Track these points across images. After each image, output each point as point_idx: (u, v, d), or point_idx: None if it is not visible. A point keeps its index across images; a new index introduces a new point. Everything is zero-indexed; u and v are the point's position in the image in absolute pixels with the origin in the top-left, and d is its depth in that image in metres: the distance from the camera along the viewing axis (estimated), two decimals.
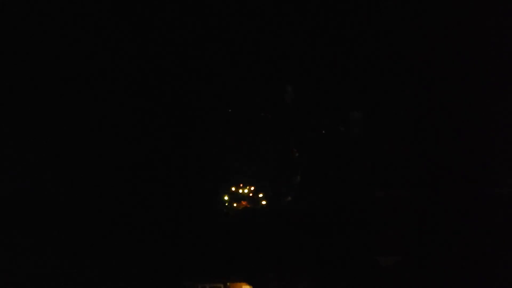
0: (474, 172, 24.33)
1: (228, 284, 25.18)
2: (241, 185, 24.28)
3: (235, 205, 24.33)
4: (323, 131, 24.84)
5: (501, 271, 22.23)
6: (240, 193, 24.26)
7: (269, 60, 25.00)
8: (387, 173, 24.37)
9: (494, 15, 23.52)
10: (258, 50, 24.92)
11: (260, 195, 24.17)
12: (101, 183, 23.37)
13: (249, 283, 25.28)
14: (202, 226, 23.19)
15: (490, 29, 24.23)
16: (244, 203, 24.45)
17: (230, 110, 24.58)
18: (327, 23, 24.96)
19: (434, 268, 23.02)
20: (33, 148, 24.20)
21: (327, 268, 23.27)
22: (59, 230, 22.72)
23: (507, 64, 23.64)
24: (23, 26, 24.52)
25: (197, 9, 25.43)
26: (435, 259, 23.17)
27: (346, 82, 24.73)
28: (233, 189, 24.24)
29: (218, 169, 24.60)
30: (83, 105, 24.59)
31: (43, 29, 24.79)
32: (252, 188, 24.18)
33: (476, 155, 24.39)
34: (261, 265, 23.23)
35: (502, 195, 23.69)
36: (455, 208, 24.10)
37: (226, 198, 24.03)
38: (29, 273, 21.39)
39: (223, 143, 24.75)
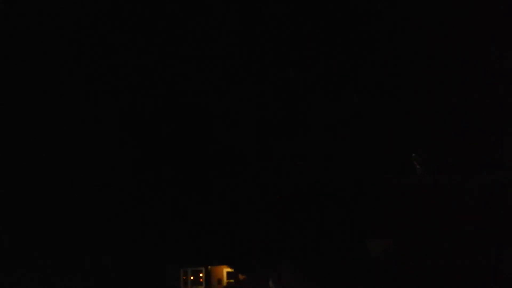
0: (464, 159, 23.41)
1: (209, 267, 27.23)
2: None
3: None
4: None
5: (492, 256, 22.56)
6: None
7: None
8: (378, 160, 23.56)
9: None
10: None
11: None
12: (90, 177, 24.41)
13: (229, 266, 26.99)
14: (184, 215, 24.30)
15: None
16: None
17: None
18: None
19: (424, 253, 23.56)
20: (33, 148, 25.18)
21: (310, 249, 24.27)
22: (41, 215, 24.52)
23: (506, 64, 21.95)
24: (23, 26, 23.66)
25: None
26: (425, 244, 23.52)
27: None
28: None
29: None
30: (76, 107, 24.57)
31: (43, 29, 23.85)
32: None
33: (466, 143, 23.44)
34: (242, 249, 24.57)
35: (491, 183, 22.97)
36: (446, 193, 23.53)
37: None
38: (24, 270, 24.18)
39: None
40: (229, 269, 30.63)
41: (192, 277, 29.78)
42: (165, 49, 23.80)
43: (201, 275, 30.32)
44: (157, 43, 23.75)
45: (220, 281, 30.91)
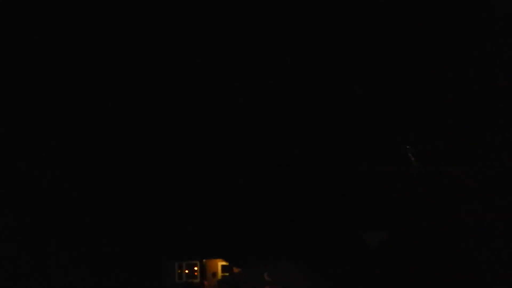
0: (459, 151, 23.54)
1: (204, 261, 27.10)
2: None
3: None
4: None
5: (488, 247, 22.63)
6: None
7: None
8: (373, 152, 23.58)
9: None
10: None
11: None
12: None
13: (224, 259, 26.89)
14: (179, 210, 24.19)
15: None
16: None
17: None
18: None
19: (420, 245, 23.58)
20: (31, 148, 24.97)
21: (305, 242, 24.19)
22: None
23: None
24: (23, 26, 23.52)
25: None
26: (421, 235, 23.55)
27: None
28: None
29: None
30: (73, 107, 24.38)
31: (42, 30, 23.73)
32: None
33: (461, 134, 23.64)
34: (237, 242, 24.51)
35: (487, 174, 23.14)
36: (441, 185, 23.60)
37: None
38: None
39: None
40: (224, 263, 30.68)
41: (187, 271, 29.79)
42: (164, 49, 23.93)
43: (196, 268, 30.34)
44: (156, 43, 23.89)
45: (215, 274, 30.94)
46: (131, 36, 23.61)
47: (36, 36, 23.93)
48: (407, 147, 24.49)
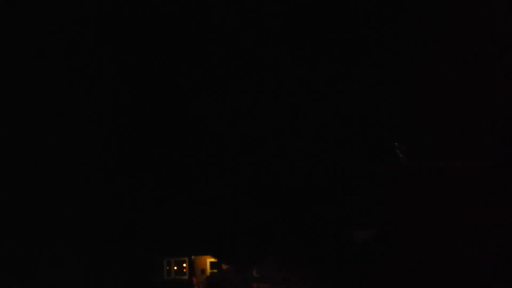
0: (447, 148, 23.75)
1: (192, 257, 27.04)
2: None
3: None
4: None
5: (476, 243, 22.77)
6: None
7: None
8: (361, 149, 23.65)
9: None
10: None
11: None
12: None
13: (213, 256, 26.86)
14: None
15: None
16: None
17: None
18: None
19: (408, 243, 23.70)
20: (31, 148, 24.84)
21: (294, 239, 24.23)
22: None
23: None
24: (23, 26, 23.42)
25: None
26: (409, 233, 23.67)
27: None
28: None
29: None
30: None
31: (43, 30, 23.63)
32: None
33: (450, 131, 23.87)
34: (225, 239, 24.49)
35: (475, 171, 23.37)
36: (429, 182, 23.74)
37: None
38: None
39: None
40: (212, 259, 30.74)
41: (175, 268, 29.78)
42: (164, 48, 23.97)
43: (184, 265, 30.31)
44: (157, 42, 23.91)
45: (203, 271, 30.97)
46: (128, 35, 23.67)
47: (36, 35, 23.91)
48: (396, 144, 24.57)
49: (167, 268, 29.46)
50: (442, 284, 21.95)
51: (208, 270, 31.30)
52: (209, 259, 30.91)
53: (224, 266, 30.00)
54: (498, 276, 21.09)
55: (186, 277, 29.38)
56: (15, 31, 23.69)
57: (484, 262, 22.29)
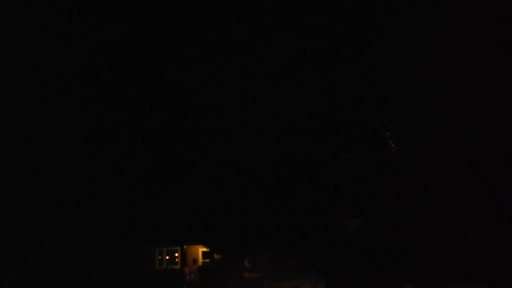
0: (437, 136, 23.93)
1: (184, 247, 27.03)
2: None
3: None
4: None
5: (463, 231, 22.96)
6: None
7: None
8: (352, 137, 23.74)
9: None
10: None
11: None
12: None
13: (205, 245, 26.88)
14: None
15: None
16: None
17: None
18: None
19: (398, 230, 23.83)
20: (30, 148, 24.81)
21: (285, 229, 24.30)
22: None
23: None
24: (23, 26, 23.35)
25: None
26: (398, 220, 23.79)
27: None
28: None
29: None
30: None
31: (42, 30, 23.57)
32: None
33: (440, 119, 24.05)
34: (217, 228, 24.54)
35: (465, 159, 23.56)
36: (419, 169, 23.94)
37: None
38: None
39: None
40: (204, 249, 30.72)
41: (167, 257, 29.79)
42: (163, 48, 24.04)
43: (176, 254, 30.34)
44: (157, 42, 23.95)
45: (195, 260, 30.99)
46: (128, 35, 23.67)
47: (35, 36, 23.82)
48: (387, 133, 24.64)
49: (159, 257, 29.46)
50: (434, 270, 22.15)
51: (200, 260, 31.32)
52: (201, 249, 30.92)
53: (216, 256, 30.03)
54: (485, 262, 21.31)
55: (178, 266, 29.42)
56: (15, 31, 23.70)
57: (474, 248, 22.50)
